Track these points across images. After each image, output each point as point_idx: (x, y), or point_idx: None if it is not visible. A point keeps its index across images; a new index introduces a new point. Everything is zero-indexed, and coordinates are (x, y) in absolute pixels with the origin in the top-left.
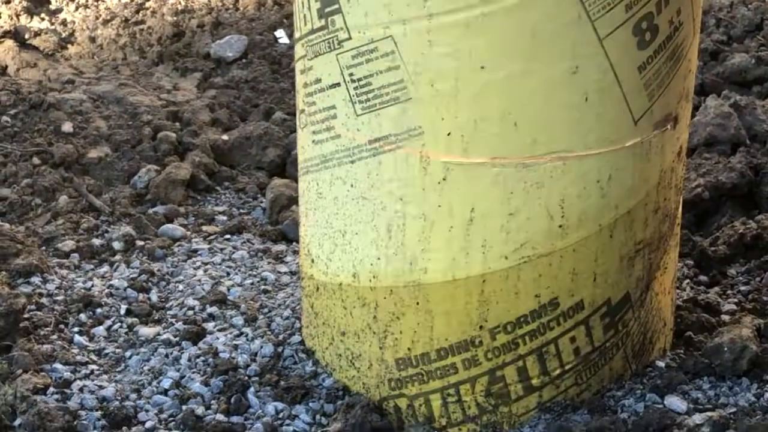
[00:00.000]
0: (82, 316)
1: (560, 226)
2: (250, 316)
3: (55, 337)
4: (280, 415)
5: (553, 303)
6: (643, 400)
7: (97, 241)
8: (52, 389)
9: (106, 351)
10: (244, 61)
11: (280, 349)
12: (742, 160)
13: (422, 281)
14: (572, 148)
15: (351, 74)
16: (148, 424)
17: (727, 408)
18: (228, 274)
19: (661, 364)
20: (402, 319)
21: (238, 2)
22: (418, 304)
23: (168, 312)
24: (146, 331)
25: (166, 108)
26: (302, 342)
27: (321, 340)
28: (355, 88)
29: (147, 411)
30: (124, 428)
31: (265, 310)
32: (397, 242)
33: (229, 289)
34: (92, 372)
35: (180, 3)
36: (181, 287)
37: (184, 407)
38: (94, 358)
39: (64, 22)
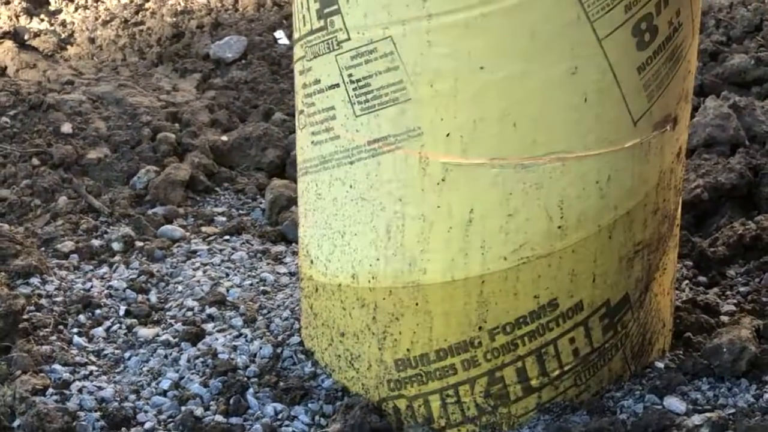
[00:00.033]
0: (81, 317)
1: (559, 227)
2: (249, 317)
3: (54, 338)
4: (279, 416)
5: (552, 304)
6: (642, 401)
7: (96, 242)
8: (51, 390)
9: (105, 352)
10: (243, 61)
11: (279, 350)
12: (742, 161)
13: (421, 282)
14: (571, 148)
15: (350, 75)
16: (147, 425)
17: (726, 409)
18: (227, 275)
19: (660, 365)
20: (401, 320)
21: (238, 3)
22: (417, 304)
23: (167, 313)
24: (145, 332)
25: (165, 109)
26: (301, 343)
27: (320, 340)
28: (354, 89)
29: (146, 412)
30: (123, 429)
31: (264, 311)
32: (396, 243)
33: (228, 290)
34: (91, 373)
35: (179, 4)
36: (180, 288)
37: (183, 408)
38: (93, 359)
39: (63, 23)
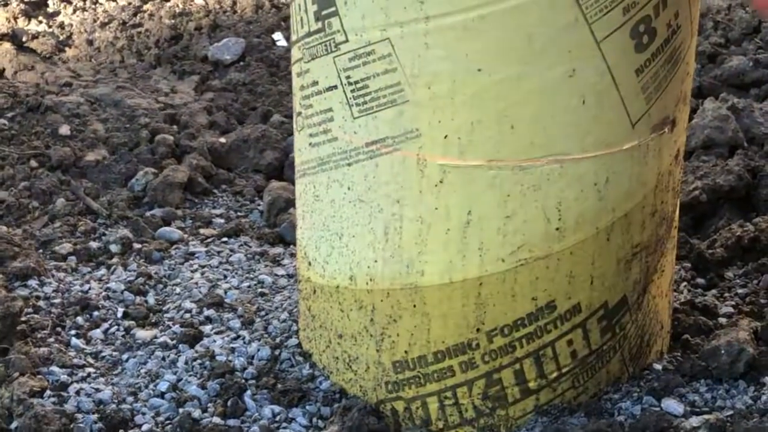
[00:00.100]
0: (79, 319)
1: (557, 229)
2: (247, 319)
3: (52, 340)
4: (277, 418)
5: (550, 306)
6: (640, 403)
7: (94, 244)
8: (48, 392)
9: (103, 354)
10: (241, 63)
11: (277, 352)
12: (740, 163)
13: (419, 284)
14: (569, 150)
15: (348, 77)
16: (144, 427)
17: (724, 411)
18: (225, 277)
19: (658, 366)
20: (399, 322)
21: (236, 5)
22: (414, 306)
23: (165, 315)
24: (143, 334)
25: (163, 111)
26: (299, 345)
27: (318, 342)
28: (352, 91)
29: (144, 414)
30: (121, 431)
31: (262, 313)
32: (393, 245)
33: (226, 292)
34: (89, 375)
35: (178, 6)
36: (178, 290)
37: (180, 410)
38: (91, 361)
39: (61, 25)
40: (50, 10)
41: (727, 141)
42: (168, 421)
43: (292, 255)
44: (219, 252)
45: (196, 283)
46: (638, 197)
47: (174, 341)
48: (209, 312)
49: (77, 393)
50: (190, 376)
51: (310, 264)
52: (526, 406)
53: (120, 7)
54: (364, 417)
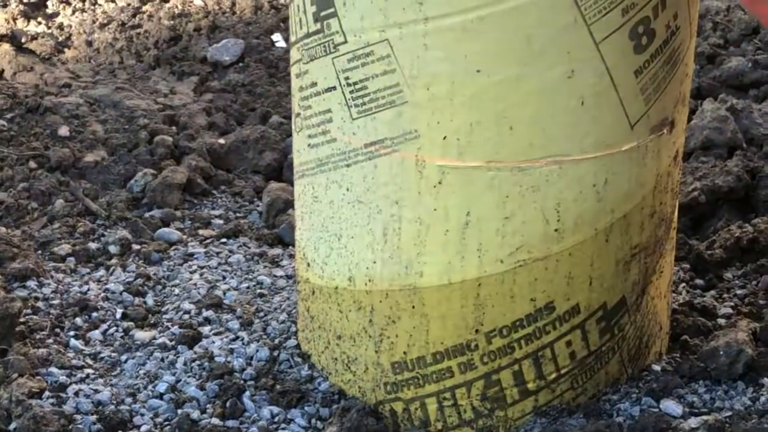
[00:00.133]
0: (78, 320)
1: (556, 230)
2: (245, 320)
3: (50, 341)
4: (276, 419)
5: (549, 307)
6: (638, 404)
7: (93, 245)
8: (47, 393)
9: (102, 355)
10: (240, 64)
11: (275, 353)
12: (739, 164)
13: (418, 285)
14: (568, 152)
15: (347, 78)
16: (143, 428)
17: (722, 412)
18: (224, 278)
19: (656, 367)
20: (398, 323)
21: (235, 6)
22: (413, 307)
23: (164, 316)
24: (142, 335)
25: (162, 112)
26: (298, 346)
27: (317, 343)
28: (351, 92)
29: (142, 415)
30: None
31: (261, 314)
32: (392, 246)
33: (224, 293)
34: (88, 376)
35: (177, 7)
36: (177, 291)
37: (179, 411)
38: (90, 362)
39: (60, 26)
40: (49, 11)
41: (726, 142)
42: (167, 422)
43: (291, 256)
44: (218, 253)
45: (195, 284)
46: (637, 198)
47: (173, 342)
48: (208, 313)
49: (76, 394)
50: (189, 377)
51: (308, 265)
52: (524, 407)
53: (119, 8)
54: (362, 418)
